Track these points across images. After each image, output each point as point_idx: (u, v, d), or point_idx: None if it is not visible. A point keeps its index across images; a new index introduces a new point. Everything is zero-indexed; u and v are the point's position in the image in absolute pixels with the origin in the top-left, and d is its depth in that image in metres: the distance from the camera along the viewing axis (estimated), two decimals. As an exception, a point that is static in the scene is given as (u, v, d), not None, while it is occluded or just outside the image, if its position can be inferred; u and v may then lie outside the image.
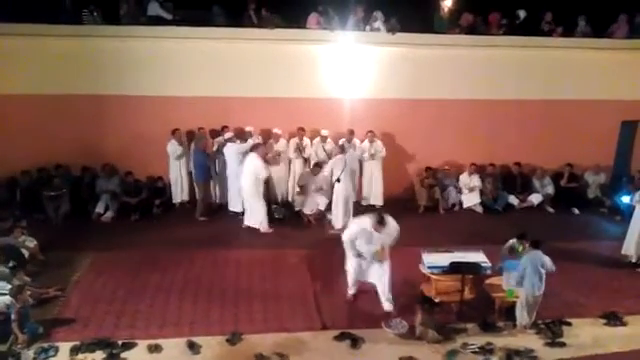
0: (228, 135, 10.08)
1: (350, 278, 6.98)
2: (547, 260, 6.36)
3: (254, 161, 9.32)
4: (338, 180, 9.29)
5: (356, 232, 6.72)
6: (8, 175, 10.10)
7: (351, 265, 6.91)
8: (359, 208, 10.39)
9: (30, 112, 10.23)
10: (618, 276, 8.02)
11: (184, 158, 10.44)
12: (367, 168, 10.84)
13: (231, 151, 9.88)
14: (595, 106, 11.45)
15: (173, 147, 10.27)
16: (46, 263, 7.91)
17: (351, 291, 6.98)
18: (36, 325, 6.15)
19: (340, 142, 10.28)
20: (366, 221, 6.68)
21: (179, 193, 10.59)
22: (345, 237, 6.86)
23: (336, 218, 9.43)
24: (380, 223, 6.54)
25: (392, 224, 6.73)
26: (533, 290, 6.33)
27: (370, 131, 10.66)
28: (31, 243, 7.89)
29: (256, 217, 9.45)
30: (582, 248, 9.04)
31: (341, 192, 9.32)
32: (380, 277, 6.76)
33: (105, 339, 6.03)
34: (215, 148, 10.32)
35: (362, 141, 10.73)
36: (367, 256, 6.77)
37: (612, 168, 11.87)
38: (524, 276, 6.29)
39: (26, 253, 7.70)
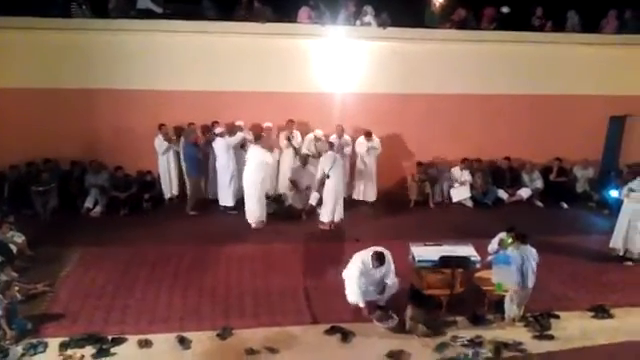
0: (218, 130, 10.03)
1: (358, 301, 6.50)
2: (535, 252, 6.43)
3: (258, 151, 9.32)
4: (328, 176, 9.28)
5: (359, 272, 6.44)
6: (-4, 169, 10.01)
7: (356, 293, 6.48)
8: (350, 203, 10.48)
9: (19, 106, 10.12)
10: (606, 270, 8.10)
11: (171, 153, 10.37)
12: (361, 164, 10.85)
13: (220, 145, 9.84)
14: (584, 101, 11.51)
15: (159, 142, 10.22)
16: (34, 258, 7.84)
17: (362, 304, 6.49)
18: (25, 321, 6.11)
19: (330, 138, 10.27)
20: (366, 259, 6.44)
21: (168, 188, 10.55)
22: (350, 281, 6.53)
23: (326, 213, 9.42)
24: (380, 262, 6.36)
25: (389, 258, 6.53)
26: (526, 284, 6.38)
27: (367, 131, 10.67)
28: (19, 239, 7.82)
29: (254, 212, 9.42)
30: (570, 242, 9.11)
31: (331, 188, 9.30)
32: (388, 290, 6.64)
33: (94, 334, 6.00)
34: (204, 141, 10.28)
35: (354, 137, 10.76)
36: (372, 296, 6.58)
37: (600, 163, 11.95)
38: (525, 273, 6.31)
39: (14, 249, 7.63)
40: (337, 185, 9.38)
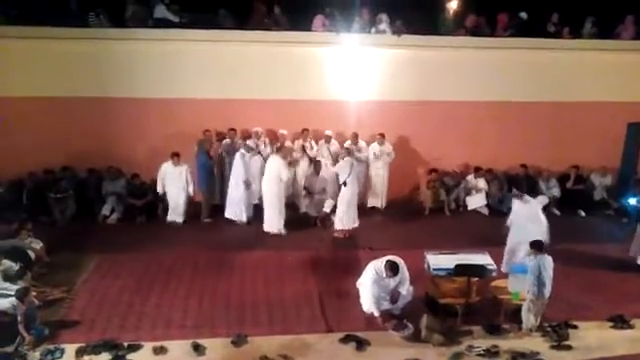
0: (250, 143, 10.00)
1: (373, 309, 6.55)
2: (551, 261, 6.36)
3: (278, 163, 9.34)
4: (344, 184, 9.27)
5: (373, 281, 6.44)
6: (15, 177, 10.13)
7: (370, 301, 6.51)
8: (364, 210, 10.44)
9: (37, 114, 10.24)
10: (625, 279, 7.98)
11: (182, 175, 9.93)
12: (373, 170, 10.83)
13: (239, 161, 9.69)
14: (601, 108, 11.39)
15: (168, 168, 9.86)
16: (52, 265, 7.93)
17: (377, 313, 6.48)
18: (42, 327, 6.18)
19: (346, 145, 10.28)
20: (379, 268, 6.44)
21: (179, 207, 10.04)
22: (364, 289, 6.57)
23: (339, 220, 9.40)
24: (393, 272, 6.38)
25: (403, 267, 6.52)
26: (543, 293, 6.31)
27: (380, 133, 10.68)
28: (37, 245, 7.93)
29: (274, 221, 9.42)
30: (588, 250, 8.99)
31: (346, 195, 9.29)
32: (402, 299, 6.63)
33: (110, 341, 6.05)
34: (220, 151, 10.33)
35: (369, 143, 10.75)
36: (385, 305, 6.56)
37: (618, 170, 11.77)
38: (543, 282, 6.25)
39: (32, 255, 7.71)
40: (352, 192, 9.36)
